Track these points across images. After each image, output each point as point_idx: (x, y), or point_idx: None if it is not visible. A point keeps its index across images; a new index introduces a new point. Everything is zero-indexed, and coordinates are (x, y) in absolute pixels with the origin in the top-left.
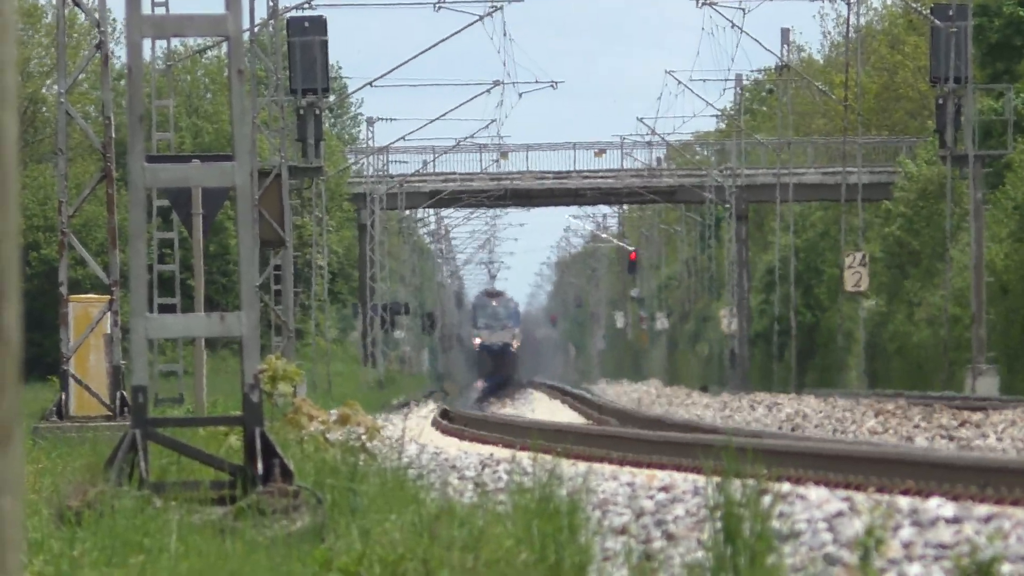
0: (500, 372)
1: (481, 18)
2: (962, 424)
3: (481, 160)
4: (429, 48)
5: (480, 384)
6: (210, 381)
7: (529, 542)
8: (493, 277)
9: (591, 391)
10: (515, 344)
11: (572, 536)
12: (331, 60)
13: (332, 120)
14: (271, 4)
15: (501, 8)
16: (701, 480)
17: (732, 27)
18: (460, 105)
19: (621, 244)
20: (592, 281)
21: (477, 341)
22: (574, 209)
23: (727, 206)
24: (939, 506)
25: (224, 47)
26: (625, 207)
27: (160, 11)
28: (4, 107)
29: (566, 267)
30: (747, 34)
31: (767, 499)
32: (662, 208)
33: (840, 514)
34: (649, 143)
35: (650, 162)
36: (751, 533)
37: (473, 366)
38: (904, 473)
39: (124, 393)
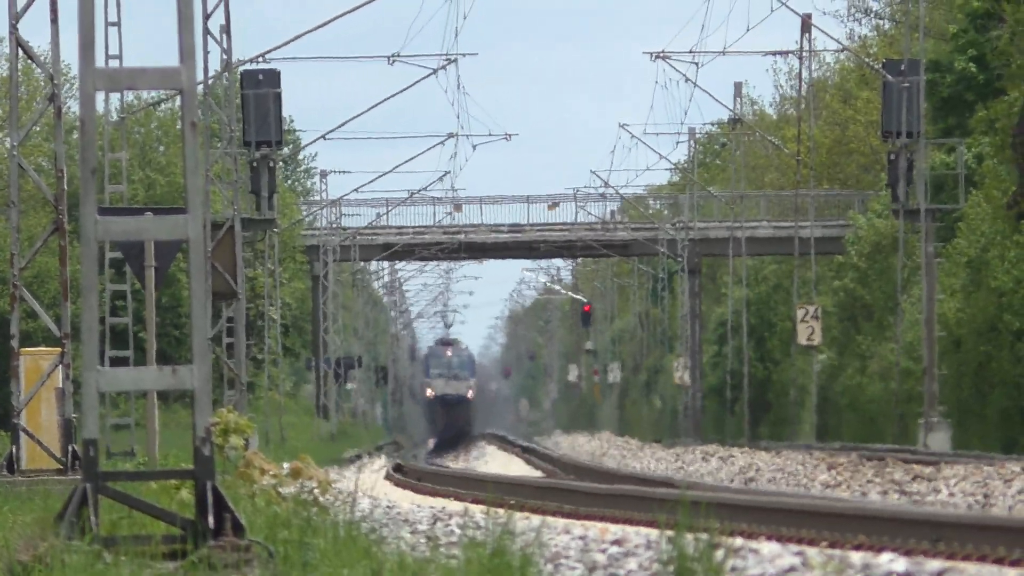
0: (454, 424)
1: (435, 71)
2: (914, 478)
3: (435, 212)
4: (383, 101)
5: (433, 438)
6: (162, 434)
7: None
8: (448, 326)
9: (544, 444)
10: (470, 395)
11: None
12: (285, 113)
13: (287, 172)
14: (225, 57)
15: (455, 61)
16: (654, 533)
17: (686, 80)
18: (414, 157)
19: (575, 296)
20: (545, 334)
21: (430, 392)
22: (528, 262)
23: (679, 260)
24: (891, 561)
25: (178, 99)
26: (579, 260)
27: (114, 64)
28: None
29: (519, 320)
30: (700, 88)
31: (720, 553)
32: (616, 261)
33: (793, 569)
34: (603, 196)
35: (604, 214)
36: None
37: (426, 419)
38: (856, 527)
39: (75, 446)
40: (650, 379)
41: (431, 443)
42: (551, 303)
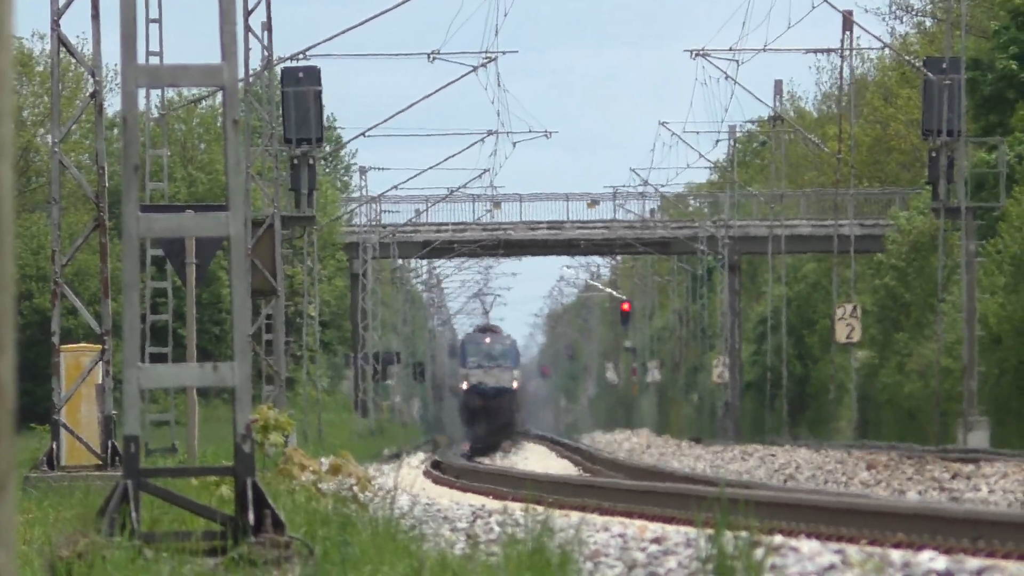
0: (495, 419)
1: (475, 69)
2: (954, 476)
3: (474, 210)
4: (423, 98)
5: (471, 437)
6: (202, 430)
7: None
8: (487, 312)
9: (581, 441)
10: (515, 386)
11: None
12: (325, 110)
13: (326, 170)
14: (266, 54)
15: (495, 59)
16: (693, 532)
17: (726, 78)
18: (454, 155)
19: (614, 294)
20: (584, 332)
21: (465, 384)
22: (567, 259)
23: (719, 257)
24: (931, 559)
25: (219, 96)
26: (618, 257)
27: (154, 60)
28: (1, 159)
29: (558, 318)
30: (740, 85)
31: (759, 551)
32: (655, 258)
33: (832, 567)
34: (642, 194)
35: (643, 213)
36: None
37: (463, 413)
38: (896, 525)
39: (115, 443)
40: (689, 377)
41: (468, 441)
42: (591, 301)
